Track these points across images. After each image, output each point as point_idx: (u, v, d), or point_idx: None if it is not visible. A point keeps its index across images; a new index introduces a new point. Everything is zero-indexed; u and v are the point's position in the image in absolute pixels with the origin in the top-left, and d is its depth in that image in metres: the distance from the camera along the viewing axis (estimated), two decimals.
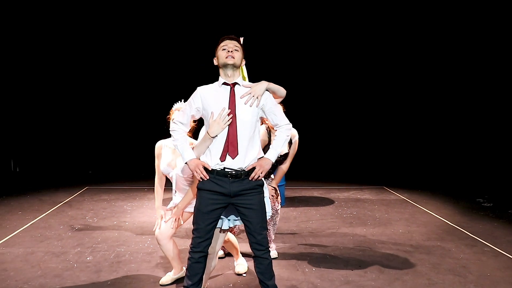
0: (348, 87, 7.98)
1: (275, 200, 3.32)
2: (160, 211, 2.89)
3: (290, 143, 3.32)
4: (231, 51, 2.28)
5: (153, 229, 2.88)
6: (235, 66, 2.30)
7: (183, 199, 2.80)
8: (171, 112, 2.88)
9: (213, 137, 2.28)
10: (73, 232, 4.12)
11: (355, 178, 7.02)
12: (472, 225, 4.42)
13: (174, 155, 2.87)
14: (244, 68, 2.97)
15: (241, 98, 2.30)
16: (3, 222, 4.41)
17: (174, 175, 2.85)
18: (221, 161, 2.27)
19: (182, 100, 2.90)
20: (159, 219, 2.85)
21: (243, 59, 2.39)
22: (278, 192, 3.37)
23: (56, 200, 5.42)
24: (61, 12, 7.29)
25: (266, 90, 2.37)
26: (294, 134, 3.35)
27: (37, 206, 5.09)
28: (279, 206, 3.45)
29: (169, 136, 2.90)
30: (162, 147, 2.93)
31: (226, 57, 2.28)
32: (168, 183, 3.04)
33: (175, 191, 2.93)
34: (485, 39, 7.21)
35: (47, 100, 7.62)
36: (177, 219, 2.80)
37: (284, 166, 3.38)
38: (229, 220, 2.49)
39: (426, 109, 7.87)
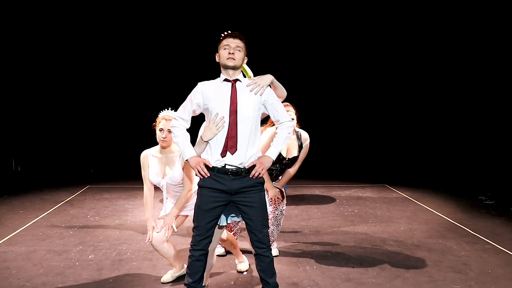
0: (350, 86, 7.97)
1: (280, 202, 3.29)
2: (151, 222, 2.84)
3: (301, 147, 3.25)
4: (232, 53, 2.28)
5: (146, 241, 2.86)
6: (236, 68, 2.31)
7: (175, 206, 2.78)
8: (157, 120, 2.82)
9: (206, 141, 2.30)
10: (74, 231, 4.14)
11: (357, 176, 7.01)
12: (473, 222, 4.41)
13: (161, 164, 2.84)
14: (246, 67, 2.95)
15: (247, 86, 2.32)
16: (5, 221, 4.42)
17: (164, 184, 2.83)
18: (222, 157, 2.28)
19: (169, 108, 2.87)
20: (150, 230, 2.80)
21: (246, 57, 2.38)
22: (284, 194, 3.34)
23: (58, 199, 5.43)
24: (63, 13, 7.29)
25: (270, 84, 2.39)
26: (306, 137, 3.28)
27: (38, 205, 5.10)
28: (284, 207, 3.43)
29: (155, 144, 2.88)
30: (147, 156, 2.88)
31: (227, 58, 2.28)
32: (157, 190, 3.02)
33: (166, 198, 2.91)
34: (485, 39, 7.19)
35: (48, 100, 7.63)
36: (169, 227, 2.78)
37: (292, 170, 3.31)
38: (226, 217, 2.49)
39: (428, 107, 7.85)
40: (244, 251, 3.39)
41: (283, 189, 3.32)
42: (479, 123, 7.46)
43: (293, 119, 3.15)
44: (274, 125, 3.15)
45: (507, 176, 6.50)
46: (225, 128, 2.27)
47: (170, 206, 2.91)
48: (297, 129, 3.30)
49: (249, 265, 3.22)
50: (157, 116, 2.87)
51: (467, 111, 7.58)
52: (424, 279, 3.02)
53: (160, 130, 2.78)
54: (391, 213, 4.81)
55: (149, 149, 2.91)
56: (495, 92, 7.26)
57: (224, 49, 2.30)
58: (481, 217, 4.62)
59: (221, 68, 2.36)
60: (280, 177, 3.35)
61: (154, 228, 2.81)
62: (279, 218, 3.39)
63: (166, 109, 2.87)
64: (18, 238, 3.89)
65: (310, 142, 3.34)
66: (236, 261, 3.24)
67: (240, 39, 2.33)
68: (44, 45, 7.41)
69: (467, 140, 7.56)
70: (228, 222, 2.49)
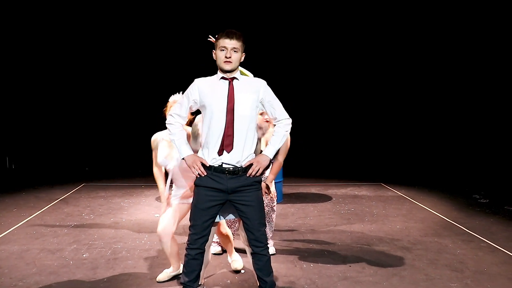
0: (346, 84, 7.98)
1: (267, 196, 3.23)
2: (165, 194, 2.87)
3: None
4: (229, 56, 2.23)
5: (160, 214, 2.87)
6: (232, 71, 2.28)
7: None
8: (167, 105, 2.84)
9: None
10: (69, 229, 4.10)
11: (353, 175, 7.02)
12: (468, 221, 4.43)
13: (170, 148, 2.84)
14: (241, 68, 2.92)
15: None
16: None
17: (171, 167, 2.82)
18: (219, 156, 2.25)
19: (181, 92, 2.83)
20: (164, 202, 2.85)
21: (243, 54, 2.33)
22: (272, 189, 3.29)
23: (52, 197, 5.38)
24: (55, 9, 7.22)
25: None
26: None
27: (32, 203, 5.05)
28: (275, 203, 3.41)
29: (165, 128, 2.86)
30: (157, 139, 2.89)
31: (224, 62, 2.24)
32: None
33: (172, 185, 2.90)
34: (483, 38, 7.21)
35: (42, 97, 7.57)
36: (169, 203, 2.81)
37: (280, 158, 3.22)
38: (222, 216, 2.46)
39: (423, 106, 7.88)
40: (239, 250, 3.36)
41: (272, 184, 3.28)
42: (474, 122, 7.50)
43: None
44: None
45: (501, 175, 6.54)
46: (222, 127, 2.25)
47: (176, 193, 2.86)
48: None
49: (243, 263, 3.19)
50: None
51: (462, 110, 7.62)
52: (421, 277, 3.02)
53: None
54: (387, 212, 4.82)
55: (160, 132, 2.91)
56: (490, 92, 7.30)
57: (221, 50, 2.25)
58: (476, 216, 4.64)
59: (218, 68, 2.33)
60: (267, 172, 3.30)
61: (168, 199, 2.84)
62: (270, 214, 3.38)
63: (177, 93, 2.86)
64: (11, 237, 3.84)
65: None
66: (229, 259, 3.21)
67: (237, 39, 2.25)
68: (39, 43, 7.34)
69: (462, 139, 7.60)
70: (220, 219, 2.46)
